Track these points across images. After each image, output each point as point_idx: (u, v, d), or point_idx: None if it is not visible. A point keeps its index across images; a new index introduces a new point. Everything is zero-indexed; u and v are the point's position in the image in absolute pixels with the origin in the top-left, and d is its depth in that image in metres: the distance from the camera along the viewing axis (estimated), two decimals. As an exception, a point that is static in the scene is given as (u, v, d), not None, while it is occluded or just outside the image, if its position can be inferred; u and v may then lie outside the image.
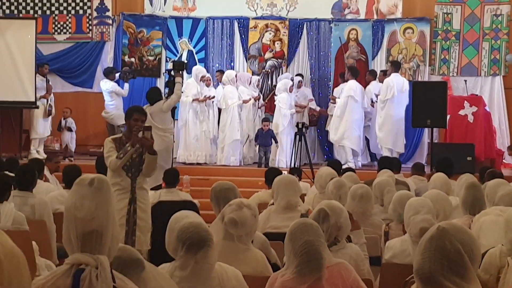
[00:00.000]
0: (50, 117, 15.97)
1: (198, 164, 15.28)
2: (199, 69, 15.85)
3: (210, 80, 15.91)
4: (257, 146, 15.38)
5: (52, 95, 16.03)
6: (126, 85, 16.32)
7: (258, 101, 16.22)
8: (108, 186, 3.36)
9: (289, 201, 6.88)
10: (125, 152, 7.63)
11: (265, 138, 15.19)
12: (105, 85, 16.09)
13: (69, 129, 16.06)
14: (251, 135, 15.77)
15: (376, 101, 15.67)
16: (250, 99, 15.73)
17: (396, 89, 15.27)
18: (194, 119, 15.40)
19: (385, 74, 15.94)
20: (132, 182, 7.71)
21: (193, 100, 15.34)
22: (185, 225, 4.04)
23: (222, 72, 16.39)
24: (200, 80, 15.53)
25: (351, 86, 15.38)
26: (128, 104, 15.52)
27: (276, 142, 15.32)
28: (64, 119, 16.14)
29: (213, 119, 15.72)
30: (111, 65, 17.17)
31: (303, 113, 16.19)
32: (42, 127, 15.83)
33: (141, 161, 7.77)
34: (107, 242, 3.27)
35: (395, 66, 15.80)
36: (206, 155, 15.56)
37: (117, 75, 16.36)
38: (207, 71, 16.78)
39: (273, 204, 7.21)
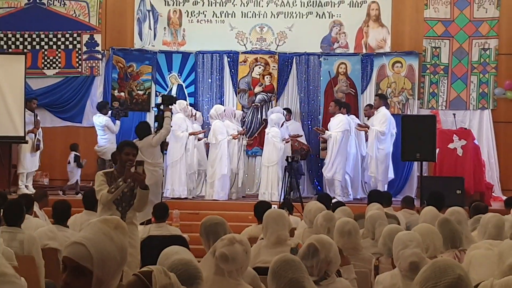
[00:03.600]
0: (38, 152, 15.93)
1: (181, 198, 15.25)
2: (183, 102, 15.86)
3: (190, 111, 15.98)
4: (290, 178, 14.75)
5: (40, 129, 16.00)
6: (118, 122, 16.35)
7: (244, 135, 16.26)
8: None
9: (279, 236, 6.85)
10: (116, 187, 7.62)
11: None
12: (98, 119, 16.10)
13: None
14: (235, 169, 15.77)
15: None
16: (238, 134, 15.75)
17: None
18: (184, 154, 15.43)
19: (371, 107, 16.05)
20: (122, 217, 7.67)
21: (190, 134, 15.41)
22: (175, 262, 4.03)
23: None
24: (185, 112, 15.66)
25: (343, 120, 15.41)
26: (118, 138, 15.57)
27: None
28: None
29: (195, 154, 15.73)
30: (101, 100, 17.18)
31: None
32: (29, 162, 15.78)
33: (132, 196, 7.76)
34: None
35: (384, 99, 15.91)
36: (189, 190, 15.57)
37: (110, 112, 16.39)
38: (197, 105, 16.91)
39: (263, 238, 7.18)
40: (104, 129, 16.07)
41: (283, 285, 4.18)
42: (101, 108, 16.31)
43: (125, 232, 3.25)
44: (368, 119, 16.16)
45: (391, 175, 15.69)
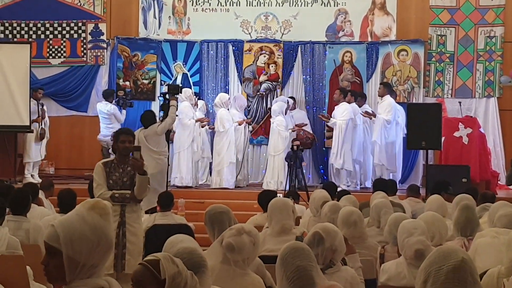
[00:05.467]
0: (43, 141, 15.93)
1: (188, 187, 15.24)
2: (188, 91, 15.84)
3: (196, 100, 15.98)
4: (295, 167, 14.74)
5: (47, 118, 16.00)
6: (124, 112, 16.34)
7: (249, 124, 16.24)
8: None
9: (283, 225, 6.85)
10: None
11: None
12: (106, 107, 16.06)
13: None
14: (239, 157, 15.74)
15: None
16: (243, 120, 15.74)
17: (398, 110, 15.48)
18: (192, 142, 15.40)
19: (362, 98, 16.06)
20: (121, 205, 7.67)
21: (196, 121, 15.38)
22: (180, 250, 4.02)
23: None
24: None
25: (348, 108, 15.41)
26: (123, 127, 15.56)
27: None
28: None
29: (199, 142, 15.73)
30: (106, 89, 17.20)
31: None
32: (34, 151, 15.78)
33: (132, 185, 7.71)
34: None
35: (388, 87, 15.88)
36: (196, 178, 15.56)
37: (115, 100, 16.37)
38: (202, 94, 16.92)
39: (268, 227, 7.18)
40: (110, 118, 16.03)
41: (289, 272, 4.18)
42: (108, 96, 16.28)
43: (103, 213, 3.21)
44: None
45: (399, 163, 15.68)
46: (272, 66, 17.25)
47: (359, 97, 16.00)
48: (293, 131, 15.70)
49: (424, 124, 14.10)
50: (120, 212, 7.65)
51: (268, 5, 17.51)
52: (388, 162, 15.42)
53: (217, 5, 17.61)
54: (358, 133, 15.65)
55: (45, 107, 16.07)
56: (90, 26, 17.67)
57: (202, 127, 15.79)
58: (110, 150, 15.39)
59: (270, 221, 6.94)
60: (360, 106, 15.87)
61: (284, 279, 4.18)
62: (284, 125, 15.42)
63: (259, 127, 17.02)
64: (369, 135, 15.90)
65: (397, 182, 14.88)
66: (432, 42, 16.87)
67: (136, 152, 7.61)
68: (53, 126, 16.53)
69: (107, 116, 16.05)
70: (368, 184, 15.66)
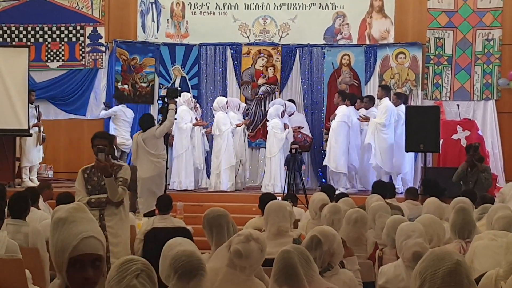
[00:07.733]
0: (41, 145, 15.94)
1: (187, 190, 15.24)
2: (187, 95, 15.84)
3: (194, 103, 15.99)
4: (294, 170, 14.69)
5: (40, 122, 16.00)
6: None
7: (248, 126, 16.23)
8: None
9: (279, 227, 6.82)
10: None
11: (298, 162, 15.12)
12: (129, 111, 16.36)
13: None
14: (243, 160, 15.75)
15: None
16: (242, 122, 15.74)
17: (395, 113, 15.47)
18: (190, 146, 15.41)
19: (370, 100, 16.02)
20: (100, 209, 7.62)
21: (194, 125, 15.41)
22: (178, 253, 4.03)
23: None
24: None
25: (342, 111, 15.42)
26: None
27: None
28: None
29: (200, 146, 15.72)
30: (104, 93, 17.27)
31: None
32: (33, 155, 15.78)
33: None
34: None
35: (387, 90, 15.88)
36: (194, 181, 15.57)
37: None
38: (200, 98, 16.92)
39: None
40: (124, 122, 16.28)
41: (275, 269, 4.23)
42: (122, 98, 16.60)
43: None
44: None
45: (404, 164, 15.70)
46: (270, 69, 17.26)
47: (367, 99, 15.94)
48: (288, 129, 15.65)
49: (422, 126, 14.11)
50: (99, 216, 7.58)
51: (266, 8, 17.53)
52: (385, 164, 15.42)
53: (215, 8, 17.62)
54: (355, 135, 15.63)
55: (41, 110, 16.07)
56: (89, 30, 17.67)
57: (207, 132, 15.81)
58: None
59: (266, 223, 6.94)
60: (367, 109, 15.86)
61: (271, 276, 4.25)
62: (280, 127, 15.43)
63: (257, 130, 17.03)
64: (365, 138, 15.90)
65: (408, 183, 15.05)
66: (430, 44, 16.89)
67: (100, 154, 7.51)
68: (52, 130, 16.54)
69: (128, 120, 16.31)
70: (367, 186, 15.65)
